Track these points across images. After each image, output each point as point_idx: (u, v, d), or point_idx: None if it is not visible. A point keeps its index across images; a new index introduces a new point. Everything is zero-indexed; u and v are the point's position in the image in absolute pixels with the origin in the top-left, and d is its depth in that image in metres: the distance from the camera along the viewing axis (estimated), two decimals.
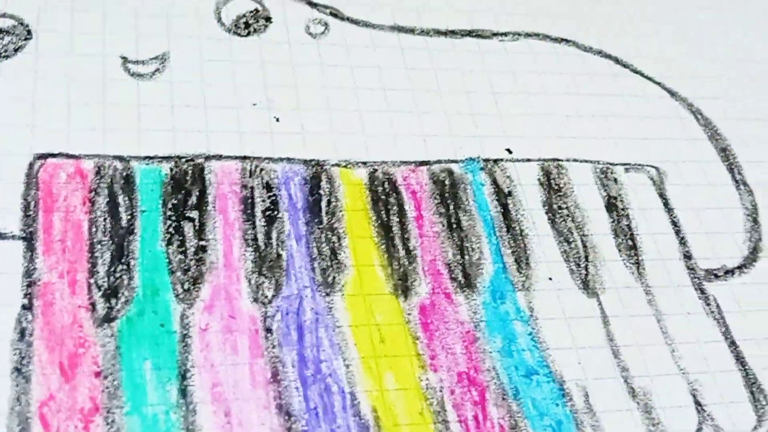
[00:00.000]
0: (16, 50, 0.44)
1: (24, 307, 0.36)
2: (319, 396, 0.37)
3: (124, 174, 0.41)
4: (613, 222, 0.46)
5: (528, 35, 0.52)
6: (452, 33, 0.51)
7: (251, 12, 0.49)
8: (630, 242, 0.45)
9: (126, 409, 0.35)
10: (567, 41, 0.53)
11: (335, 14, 0.50)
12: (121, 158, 0.41)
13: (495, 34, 0.52)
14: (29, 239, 0.38)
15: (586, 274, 0.43)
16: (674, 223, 0.46)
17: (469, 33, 0.52)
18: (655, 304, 0.43)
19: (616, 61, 0.53)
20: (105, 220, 0.39)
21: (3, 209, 0.38)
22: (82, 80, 0.44)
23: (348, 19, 0.50)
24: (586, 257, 0.44)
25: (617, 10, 0.56)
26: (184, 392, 0.36)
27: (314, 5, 0.50)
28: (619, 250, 0.45)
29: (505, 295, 0.42)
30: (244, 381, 0.36)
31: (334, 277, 0.40)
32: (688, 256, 0.45)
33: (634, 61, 0.53)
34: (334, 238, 0.42)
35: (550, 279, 0.43)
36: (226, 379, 0.36)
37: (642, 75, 0.53)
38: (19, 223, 0.38)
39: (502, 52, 0.51)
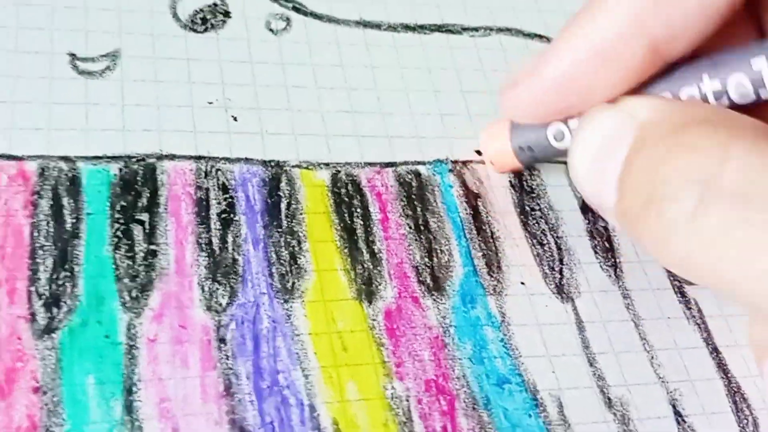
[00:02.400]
0: None
1: None
2: (275, 409, 0.34)
3: (70, 175, 0.39)
4: (588, 223, 0.44)
5: (500, 30, 0.51)
6: (421, 28, 0.49)
7: (209, 6, 0.46)
8: (607, 244, 0.43)
9: (66, 428, 0.32)
10: (540, 37, 0.51)
11: (298, 8, 0.48)
12: (66, 159, 0.39)
13: (465, 29, 0.50)
14: None
15: (560, 278, 0.41)
16: None
17: (439, 28, 0.49)
18: (633, 308, 0.41)
19: None
20: (48, 224, 0.37)
21: None
22: (28, 78, 0.41)
23: (311, 13, 0.48)
24: (561, 260, 0.42)
25: None
26: (129, 408, 0.33)
27: None
28: (595, 252, 0.43)
29: (475, 299, 0.40)
30: (195, 395, 0.34)
31: (293, 283, 0.38)
32: None
33: None
34: (294, 242, 0.39)
35: (523, 283, 0.41)
36: (175, 394, 0.34)
37: None
38: None
39: (473, 48, 0.49)
